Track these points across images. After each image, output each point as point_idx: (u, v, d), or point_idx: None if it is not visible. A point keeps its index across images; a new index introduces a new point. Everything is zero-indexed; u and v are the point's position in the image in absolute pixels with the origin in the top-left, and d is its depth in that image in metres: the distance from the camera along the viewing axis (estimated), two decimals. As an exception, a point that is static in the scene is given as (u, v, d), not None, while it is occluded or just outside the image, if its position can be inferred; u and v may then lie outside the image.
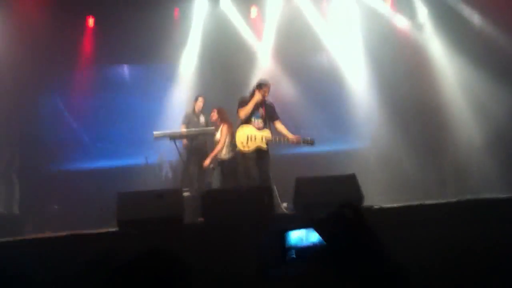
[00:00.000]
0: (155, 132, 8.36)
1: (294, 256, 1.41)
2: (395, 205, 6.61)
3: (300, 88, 10.78)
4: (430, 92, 10.14)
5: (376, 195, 8.37)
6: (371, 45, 10.50)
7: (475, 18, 9.84)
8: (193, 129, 8.72)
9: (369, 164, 9.84)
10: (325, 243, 1.37)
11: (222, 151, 8.17)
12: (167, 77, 10.66)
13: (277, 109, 7.86)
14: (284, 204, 8.03)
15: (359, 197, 6.34)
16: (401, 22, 10.72)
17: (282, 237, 1.42)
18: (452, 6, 10.10)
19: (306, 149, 8.52)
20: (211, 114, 8.57)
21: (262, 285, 4.02)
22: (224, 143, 8.17)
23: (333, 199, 6.17)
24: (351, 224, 1.34)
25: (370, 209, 6.29)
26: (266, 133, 7.56)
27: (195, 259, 4.95)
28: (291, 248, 1.42)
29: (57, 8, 9.09)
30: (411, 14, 10.66)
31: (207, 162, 8.17)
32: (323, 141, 10.20)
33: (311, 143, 7.63)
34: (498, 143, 9.05)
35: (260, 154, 7.52)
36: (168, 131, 8.56)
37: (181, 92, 10.43)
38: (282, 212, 7.66)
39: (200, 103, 9.04)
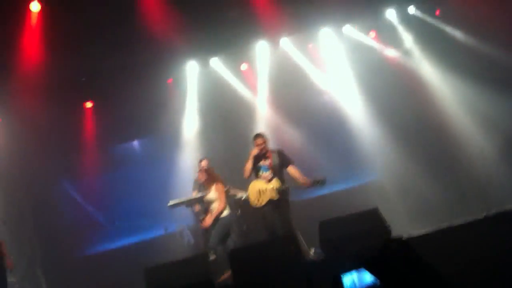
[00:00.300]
0: (170, 201, 8.35)
1: None
2: (423, 231, 6.51)
3: (302, 132, 10.86)
4: (431, 113, 10.23)
5: (401, 226, 8.27)
6: (364, 78, 10.68)
7: (458, 34, 10.05)
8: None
9: (387, 195, 9.77)
10: (379, 281, 1.34)
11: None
12: (172, 145, 10.74)
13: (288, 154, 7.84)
14: (312, 250, 7.91)
15: (386, 229, 6.24)
16: (388, 51, 10.92)
17: (337, 282, 1.39)
18: (435, 27, 10.35)
19: (323, 191, 8.50)
20: (198, 175, 8.29)
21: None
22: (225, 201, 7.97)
23: (360, 236, 6.11)
24: (400, 257, 1.31)
25: (400, 240, 6.19)
26: (275, 184, 7.48)
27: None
28: None
29: (55, 97, 9.24)
30: (396, 42, 10.87)
31: (208, 222, 7.92)
32: (336, 180, 10.22)
33: (322, 183, 7.46)
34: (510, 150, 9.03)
35: (274, 204, 7.47)
36: (183, 198, 8.53)
37: (188, 157, 10.48)
38: (311, 259, 7.54)
39: (203, 166, 9.03)
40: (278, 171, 7.57)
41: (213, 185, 8.04)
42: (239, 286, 5.80)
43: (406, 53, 10.80)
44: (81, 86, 9.49)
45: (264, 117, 11.02)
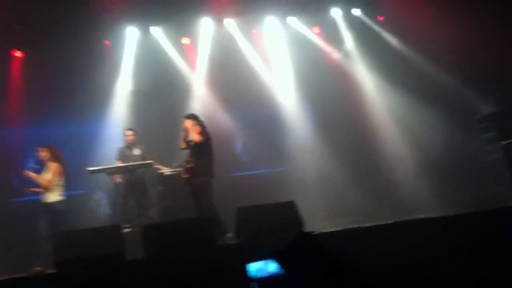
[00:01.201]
0: (89, 168, 8.09)
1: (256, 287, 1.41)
2: (334, 229, 6.71)
3: (234, 115, 10.86)
4: (360, 116, 10.53)
5: (317, 220, 8.52)
6: (301, 72, 10.80)
7: (395, 43, 10.38)
8: (130, 163, 8.51)
9: (309, 188, 9.99)
10: (284, 272, 1.39)
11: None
12: (100, 109, 10.39)
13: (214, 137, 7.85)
14: (228, 235, 7.98)
15: (300, 223, 6.40)
16: (329, 49, 11.09)
17: (243, 269, 1.42)
18: (376, 33, 10.63)
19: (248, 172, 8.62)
20: (40, 152, 7.59)
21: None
22: (54, 182, 7.43)
23: (274, 227, 6.23)
24: (307, 251, 1.37)
25: (309, 234, 6.36)
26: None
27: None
28: (253, 279, 1.42)
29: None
30: (337, 41, 11.06)
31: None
32: (264, 164, 10.38)
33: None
34: (428, 165, 9.47)
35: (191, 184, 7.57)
36: (104, 166, 8.31)
37: (116, 124, 10.19)
38: (226, 243, 7.60)
39: (130, 136, 8.84)
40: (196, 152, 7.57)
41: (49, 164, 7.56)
42: (149, 263, 5.74)
43: (346, 53, 11.01)
44: (13, 33, 8.97)
45: (198, 95, 10.90)
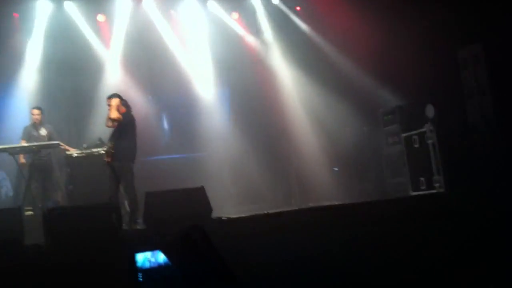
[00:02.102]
0: (-9, 146, 7.70)
1: (141, 279, 1.41)
2: (242, 215, 6.84)
3: (149, 97, 10.69)
4: (275, 106, 10.69)
5: (228, 207, 8.62)
6: (219, 57, 10.77)
7: (312, 34, 10.61)
8: (35, 143, 8.15)
9: (221, 174, 10.06)
10: (170, 263, 1.41)
11: None
12: (7, 82, 9.85)
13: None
14: (139, 220, 7.89)
15: (208, 209, 6.45)
16: (246, 35, 11.15)
17: (130, 260, 1.42)
18: (293, 23, 10.80)
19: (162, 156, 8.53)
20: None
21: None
22: None
23: (182, 213, 6.25)
24: (197, 247, 1.39)
25: (219, 220, 6.45)
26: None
27: (37, 282, 4.72)
28: (139, 270, 1.42)
29: None
30: (256, 29, 11.13)
31: None
32: (178, 149, 10.32)
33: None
34: (336, 155, 9.82)
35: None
36: (7, 145, 7.91)
37: (22, 101, 9.70)
38: (135, 228, 7.51)
39: (36, 116, 8.47)
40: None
41: None
42: (50, 248, 5.59)
43: (263, 41, 11.11)
44: None
45: (112, 75, 10.59)
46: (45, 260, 5.18)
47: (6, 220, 5.70)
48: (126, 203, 7.77)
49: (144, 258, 1.51)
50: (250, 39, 11.17)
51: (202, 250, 1.46)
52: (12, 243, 5.48)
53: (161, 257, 1.50)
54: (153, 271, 1.53)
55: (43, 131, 8.45)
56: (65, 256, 5.04)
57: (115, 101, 7.31)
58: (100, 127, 9.53)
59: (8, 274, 5.00)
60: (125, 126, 7.33)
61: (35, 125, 8.45)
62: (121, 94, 10.28)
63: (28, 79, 10.07)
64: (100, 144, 8.64)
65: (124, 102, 7.46)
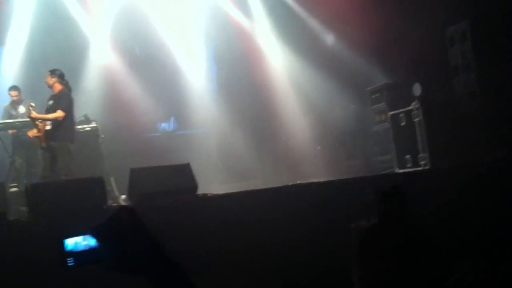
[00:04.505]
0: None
1: (72, 263, 1.39)
2: (229, 192, 6.83)
3: (137, 76, 10.60)
4: (264, 83, 10.65)
5: (216, 184, 8.62)
6: (209, 34, 10.70)
7: (304, 14, 10.52)
8: (19, 119, 8.08)
9: (210, 151, 10.05)
10: (100, 246, 1.37)
11: None
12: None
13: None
14: (123, 196, 7.87)
15: (194, 186, 6.41)
16: (235, 11, 11.03)
17: (60, 244, 1.40)
18: (284, 2, 10.70)
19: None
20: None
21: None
22: None
23: (167, 189, 6.22)
24: (126, 226, 1.34)
25: (204, 196, 6.43)
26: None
27: (20, 256, 4.70)
28: (69, 254, 1.40)
29: None
30: (246, 7, 11.03)
31: None
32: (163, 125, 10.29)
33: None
34: (324, 132, 9.83)
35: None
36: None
37: (6, 80, 9.55)
38: (119, 204, 7.49)
39: (14, 97, 8.38)
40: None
41: None
42: (33, 223, 5.55)
43: (252, 19, 11.02)
44: None
45: (100, 51, 10.49)
46: (28, 234, 5.14)
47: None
48: (111, 179, 7.74)
49: (75, 242, 1.50)
50: (238, 15, 11.05)
51: (129, 231, 1.42)
52: (-5, 217, 5.41)
53: (91, 241, 1.48)
54: (85, 254, 1.51)
55: (21, 109, 8.39)
56: (48, 230, 5.00)
57: (51, 80, 7.23)
58: (86, 104, 9.48)
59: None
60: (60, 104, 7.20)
61: (13, 104, 8.40)
62: (109, 72, 10.27)
63: (12, 56, 9.95)
64: (86, 121, 8.58)
65: (63, 81, 7.31)
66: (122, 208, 1.26)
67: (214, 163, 9.90)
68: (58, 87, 7.24)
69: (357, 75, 9.52)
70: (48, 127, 7.13)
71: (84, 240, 1.25)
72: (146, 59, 10.51)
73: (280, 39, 10.63)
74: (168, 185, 6.25)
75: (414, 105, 7.55)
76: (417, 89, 7.61)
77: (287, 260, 5.48)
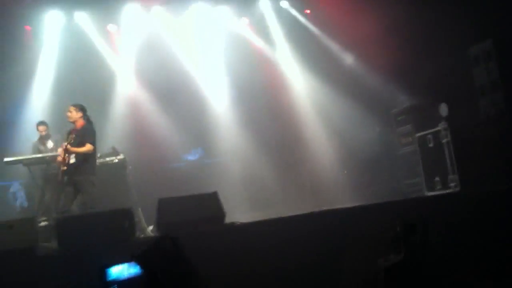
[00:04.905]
0: (6, 159, 7.80)
1: None
2: (255, 220, 6.80)
3: (162, 107, 10.73)
4: (287, 110, 10.67)
5: (241, 212, 8.58)
6: (231, 63, 10.80)
7: (323, 37, 10.57)
8: (49, 154, 8.22)
9: (234, 180, 10.04)
10: (143, 273, 1.40)
11: None
12: (18, 98, 9.96)
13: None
14: (150, 227, 7.90)
15: (221, 214, 6.41)
16: (257, 40, 11.15)
17: (102, 273, 1.41)
18: (303, 25, 10.78)
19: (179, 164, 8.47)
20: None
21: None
22: None
23: (195, 218, 6.22)
24: (169, 255, 1.37)
25: (232, 225, 6.41)
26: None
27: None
28: (113, 282, 1.41)
29: None
30: (266, 33, 11.14)
31: None
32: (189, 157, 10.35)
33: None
34: (348, 157, 9.76)
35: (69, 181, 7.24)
36: (20, 157, 7.99)
37: (33, 115, 9.75)
38: (148, 235, 7.52)
39: (42, 132, 8.52)
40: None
41: None
42: (63, 255, 5.60)
43: (274, 46, 11.11)
44: None
45: (125, 86, 10.68)
46: (58, 267, 5.18)
47: (20, 230, 5.71)
48: (139, 210, 7.78)
49: (117, 271, 1.50)
50: (260, 44, 11.16)
51: (171, 258, 1.43)
52: (25, 253, 5.48)
53: (134, 269, 1.49)
54: (126, 283, 1.52)
55: (49, 144, 8.52)
56: (77, 263, 5.04)
57: (75, 114, 7.28)
58: (113, 136, 9.63)
59: (22, 283, 5.04)
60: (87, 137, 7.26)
61: (42, 139, 8.54)
62: (134, 104, 10.42)
63: (41, 91, 10.20)
64: (113, 153, 8.69)
65: (86, 115, 7.37)
66: (165, 237, 1.29)
67: (238, 191, 9.87)
68: (81, 122, 7.35)
69: (381, 97, 9.49)
70: (72, 161, 7.17)
71: (128, 268, 1.27)
72: (170, 90, 10.63)
73: (302, 64, 10.70)
74: (196, 214, 6.25)
75: (441, 126, 7.45)
76: (443, 110, 7.53)
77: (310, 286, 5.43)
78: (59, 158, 7.22)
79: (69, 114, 7.34)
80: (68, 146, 7.09)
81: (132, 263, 1.39)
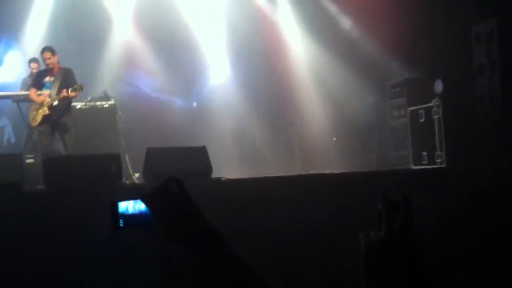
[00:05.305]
0: (-5, 93, 7.72)
1: (122, 224, 1.44)
2: (242, 177, 6.84)
3: (158, 56, 10.61)
4: (283, 71, 10.60)
5: (229, 169, 8.62)
6: (231, 20, 10.66)
7: (332, 7, 10.41)
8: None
9: (224, 134, 10.05)
10: (149, 212, 1.44)
11: None
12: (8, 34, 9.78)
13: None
14: (136, 175, 7.94)
15: (208, 168, 6.44)
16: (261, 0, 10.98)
17: (113, 207, 1.45)
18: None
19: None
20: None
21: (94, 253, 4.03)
22: None
23: (181, 169, 6.25)
24: (174, 196, 1.41)
25: (218, 180, 6.45)
26: (47, 100, 7.12)
27: (34, 226, 4.76)
28: (120, 217, 1.46)
29: None
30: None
31: None
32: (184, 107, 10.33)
33: (80, 88, 7.18)
34: (340, 124, 9.79)
35: (52, 124, 7.21)
36: (10, 92, 7.90)
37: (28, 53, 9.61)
38: (132, 182, 7.56)
39: (34, 69, 8.38)
40: (59, 89, 7.19)
41: None
42: (48, 194, 5.62)
43: (275, 5, 10.94)
44: None
45: (122, 31, 10.51)
46: (44, 206, 5.20)
47: (6, 165, 5.70)
48: (126, 156, 7.79)
49: (126, 206, 1.53)
50: (263, 3, 10.99)
51: (177, 200, 1.47)
52: (11, 187, 5.48)
53: (142, 206, 1.52)
54: (134, 218, 1.55)
55: None
56: (63, 202, 5.06)
57: (54, 57, 7.20)
58: (105, 80, 9.53)
59: (7, 218, 5.06)
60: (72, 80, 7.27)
61: (32, 76, 8.42)
62: (129, 51, 10.30)
63: (35, 29, 10.01)
64: (105, 97, 8.62)
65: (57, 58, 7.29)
66: (171, 178, 1.31)
67: (227, 147, 9.90)
68: (57, 65, 7.28)
69: (379, 68, 9.44)
70: (55, 103, 7.10)
71: (135, 204, 1.31)
72: (167, 40, 10.50)
73: (302, 27, 10.55)
74: (183, 166, 6.28)
75: (434, 102, 7.49)
76: (438, 86, 7.55)
77: (292, 250, 5.49)
78: (44, 101, 7.11)
79: (49, 59, 7.20)
80: (71, 93, 7.03)
81: (138, 201, 1.42)
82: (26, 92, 8.03)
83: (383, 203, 1.49)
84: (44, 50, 7.25)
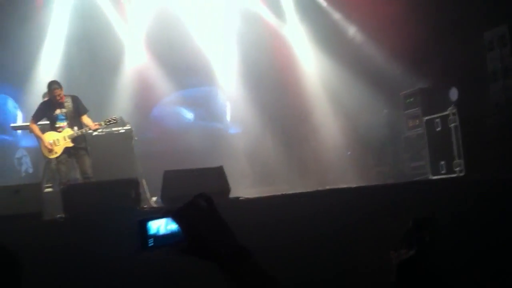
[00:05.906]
0: (12, 124, 7.82)
1: (152, 244, 1.44)
2: (260, 196, 6.83)
3: (170, 78, 10.70)
4: (295, 88, 10.61)
5: (244, 188, 8.62)
6: (241, 37, 10.72)
7: (339, 18, 10.44)
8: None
9: (239, 154, 10.05)
10: (181, 230, 1.44)
11: None
12: (27, 63, 9.94)
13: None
14: (154, 198, 7.95)
15: (226, 189, 6.44)
16: (268, 14, 11.03)
17: (142, 227, 1.45)
18: (319, 4, 10.65)
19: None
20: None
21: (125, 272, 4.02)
22: None
23: (200, 191, 6.23)
24: (203, 212, 1.41)
25: (237, 200, 6.44)
26: (68, 132, 7.34)
27: (55, 255, 4.78)
28: (151, 237, 1.46)
29: None
30: (279, 8, 11.02)
31: None
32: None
33: (115, 121, 7.55)
34: (354, 137, 9.74)
35: (69, 152, 7.36)
36: (27, 123, 8.01)
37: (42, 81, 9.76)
38: (150, 206, 7.57)
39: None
40: (73, 118, 7.41)
41: None
42: (69, 222, 5.64)
43: (285, 20, 11.00)
44: None
45: (135, 56, 10.64)
46: (63, 234, 5.22)
47: (26, 196, 5.75)
48: (144, 181, 7.82)
49: (158, 226, 1.53)
50: (270, 18, 11.05)
51: (208, 217, 1.47)
52: (32, 217, 5.52)
53: (172, 226, 1.51)
54: (165, 237, 1.54)
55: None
56: (83, 230, 5.08)
57: (61, 91, 7.31)
58: (120, 106, 9.63)
59: (28, 247, 5.08)
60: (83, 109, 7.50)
61: None
62: (143, 75, 10.41)
63: (50, 57, 10.17)
64: (120, 123, 8.69)
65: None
66: (200, 195, 1.32)
67: (242, 165, 9.90)
68: (63, 97, 7.41)
69: (391, 79, 9.40)
70: (77, 133, 7.31)
71: (167, 223, 1.30)
72: (179, 64, 10.60)
73: (313, 41, 10.58)
74: (201, 188, 6.25)
75: (450, 110, 7.42)
76: (453, 94, 7.49)
77: (313, 264, 5.44)
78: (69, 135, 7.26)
79: (59, 94, 7.34)
80: (98, 126, 7.29)
81: (169, 220, 1.42)
82: (44, 123, 8.15)
83: (413, 220, 1.48)
84: (54, 84, 7.38)
